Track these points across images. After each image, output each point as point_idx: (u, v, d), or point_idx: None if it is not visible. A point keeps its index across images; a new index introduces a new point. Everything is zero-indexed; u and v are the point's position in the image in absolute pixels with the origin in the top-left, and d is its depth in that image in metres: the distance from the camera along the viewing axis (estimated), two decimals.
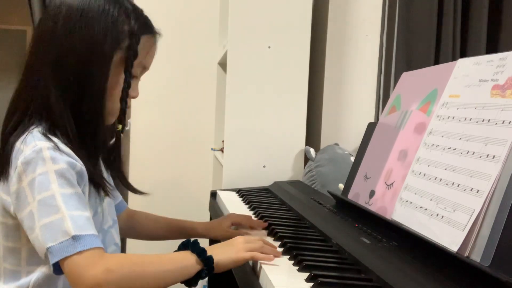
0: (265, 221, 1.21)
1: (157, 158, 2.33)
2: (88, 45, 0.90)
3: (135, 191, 1.10)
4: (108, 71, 0.92)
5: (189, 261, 0.87)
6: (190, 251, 0.89)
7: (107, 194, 0.97)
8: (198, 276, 0.88)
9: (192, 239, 0.92)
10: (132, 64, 0.94)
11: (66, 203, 0.81)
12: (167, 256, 0.89)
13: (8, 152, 0.87)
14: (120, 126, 0.97)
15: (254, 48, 1.88)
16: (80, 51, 0.90)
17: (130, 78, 0.94)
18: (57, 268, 0.81)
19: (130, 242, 2.09)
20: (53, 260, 0.79)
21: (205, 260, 0.88)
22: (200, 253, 0.88)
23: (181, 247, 0.92)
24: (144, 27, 0.96)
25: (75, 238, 0.79)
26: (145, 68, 1.00)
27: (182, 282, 0.89)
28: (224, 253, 0.91)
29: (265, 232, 1.16)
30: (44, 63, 0.91)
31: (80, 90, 0.90)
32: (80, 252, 0.79)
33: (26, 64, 0.94)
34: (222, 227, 1.20)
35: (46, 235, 0.80)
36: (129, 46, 0.93)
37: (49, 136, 0.87)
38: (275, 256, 0.93)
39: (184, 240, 0.93)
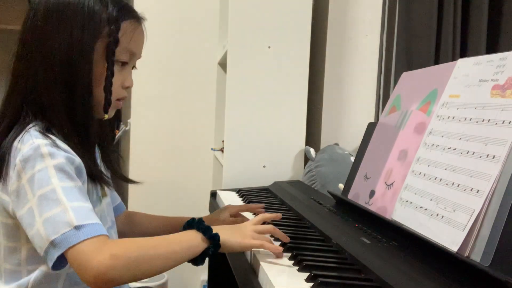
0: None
1: (157, 158, 2.33)
2: (69, 41, 0.90)
3: (127, 180, 1.11)
4: (91, 64, 0.91)
5: (195, 240, 0.87)
6: (195, 230, 0.89)
7: (104, 188, 0.97)
8: (204, 254, 0.88)
9: (196, 218, 0.92)
10: (114, 51, 0.93)
11: (67, 196, 0.81)
12: (172, 237, 0.89)
13: (5, 152, 0.87)
14: (106, 116, 0.96)
15: (254, 48, 1.88)
16: (62, 48, 0.90)
17: (112, 66, 0.93)
18: (57, 264, 0.80)
19: None
20: (57, 253, 0.79)
21: (211, 237, 0.88)
22: (206, 230, 0.88)
23: (186, 227, 0.91)
24: (123, 13, 0.95)
25: (78, 227, 0.79)
26: (134, 55, 0.98)
27: (189, 261, 0.89)
28: (232, 235, 0.91)
29: None
30: (32, 61, 0.91)
31: (69, 86, 0.90)
32: (83, 241, 0.78)
33: (14, 65, 0.94)
34: (221, 218, 1.20)
35: (49, 228, 0.79)
36: (108, 34, 0.92)
37: (47, 134, 0.87)
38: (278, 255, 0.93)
39: (189, 219, 0.93)
